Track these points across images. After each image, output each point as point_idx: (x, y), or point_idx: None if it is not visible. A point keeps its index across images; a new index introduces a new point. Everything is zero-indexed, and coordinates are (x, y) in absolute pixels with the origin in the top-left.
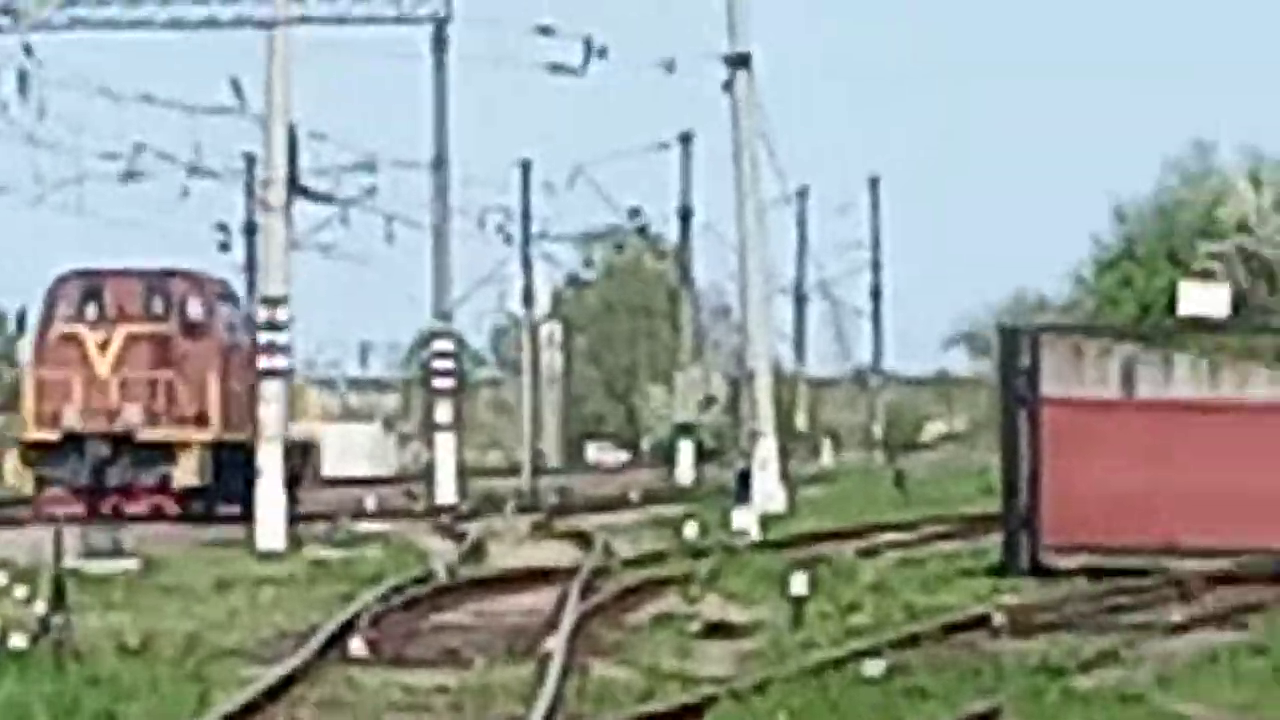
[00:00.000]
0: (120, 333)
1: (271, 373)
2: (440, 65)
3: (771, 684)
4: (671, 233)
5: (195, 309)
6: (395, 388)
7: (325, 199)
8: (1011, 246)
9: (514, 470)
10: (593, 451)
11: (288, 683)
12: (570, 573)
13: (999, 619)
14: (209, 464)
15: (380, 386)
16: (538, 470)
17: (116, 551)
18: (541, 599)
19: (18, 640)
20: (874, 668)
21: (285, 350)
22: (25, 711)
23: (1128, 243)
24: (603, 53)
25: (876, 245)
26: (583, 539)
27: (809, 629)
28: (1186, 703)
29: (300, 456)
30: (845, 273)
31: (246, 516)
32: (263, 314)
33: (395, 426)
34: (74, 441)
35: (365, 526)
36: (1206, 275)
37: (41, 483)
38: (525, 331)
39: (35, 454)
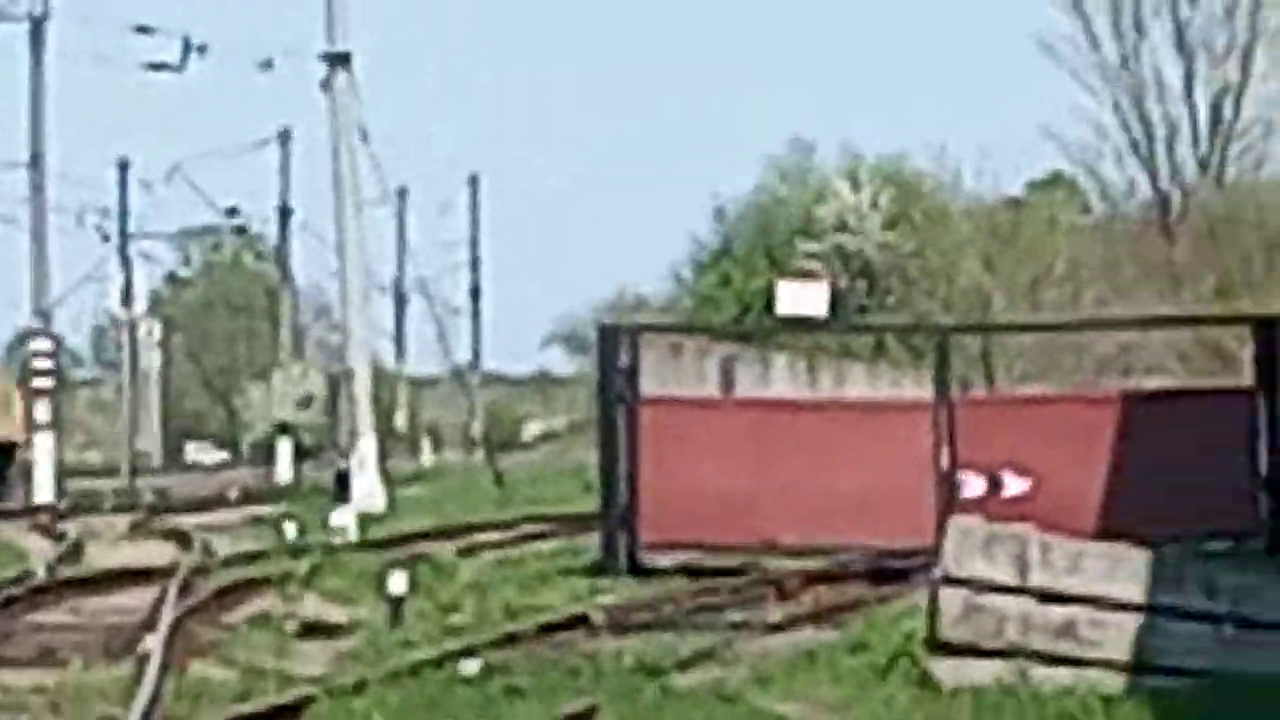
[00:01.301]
0: None
1: None
2: (37, 63)
3: (369, 683)
4: (271, 231)
5: None
6: None
7: None
8: (613, 246)
9: (113, 470)
10: (192, 451)
11: None
12: (169, 572)
13: (597, 618)
14: None
15: None
16: (136, 470)
17: None
18: (140, 598)
19: None
20: (471, 667)
21: None
22: None
23: (727, 242)
24: (202, 50)
25: (475, 244)
26: (181, 538)
27: (407, 628)
28: (784, 701)
29: (4, 454)
30: (445, 271)
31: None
32: None
33: None
34: None
35: None
36: (805, 274)
37: None
38: (124, 330)
39: None
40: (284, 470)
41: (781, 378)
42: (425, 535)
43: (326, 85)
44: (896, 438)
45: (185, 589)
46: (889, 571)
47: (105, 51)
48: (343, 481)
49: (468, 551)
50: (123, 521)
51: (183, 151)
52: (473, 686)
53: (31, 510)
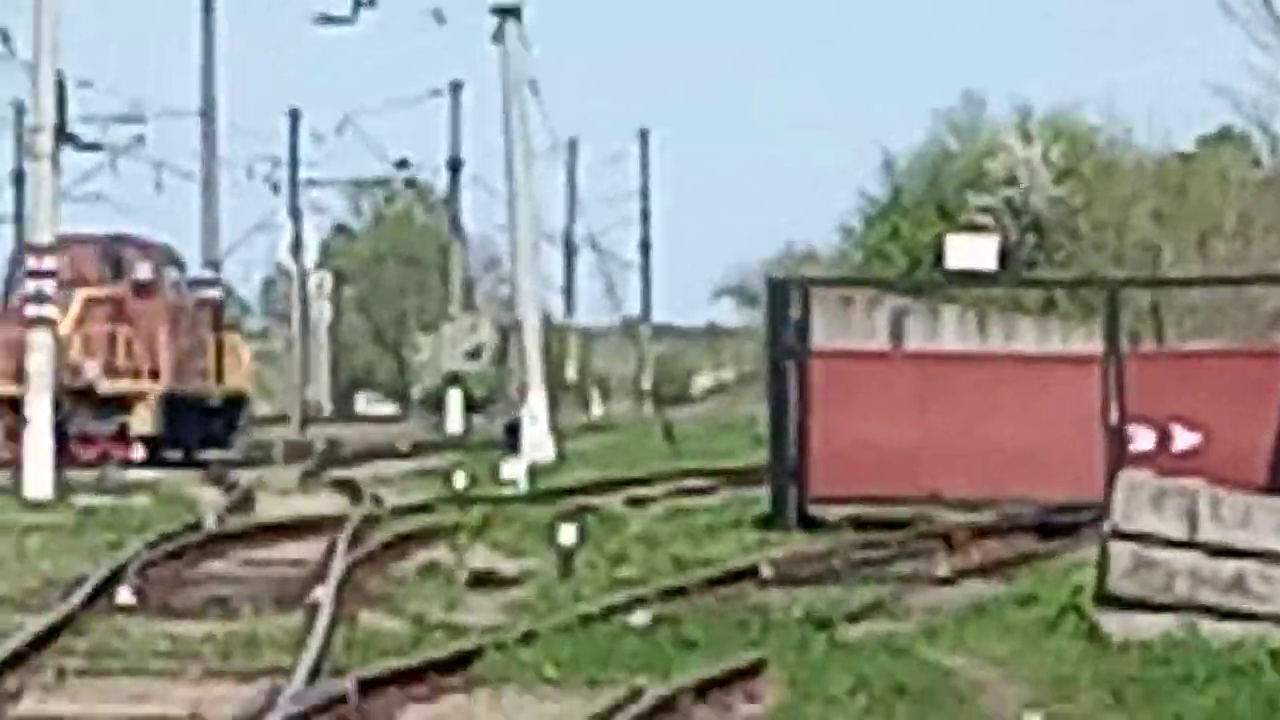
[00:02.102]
0: (79, 295)
1: (39, 321)
2: (209, 13)
3: (539, 634)
4: (441, 183)
5: (145, 271)
6: None
7: (94, 148)
8: (782, 199)
9: (283, 420)
10: (362, 402)
11: (54, 632)
12: (339, 523)
13: (766, 570)
14: (162, 414)
15: None
16: (307, 420)
17: None
18: (310, 549)
19: None
20: (640, 619)
21: (52, 300)
22: None
23: (896, 195)
24: (372, 3)
25: (646, 197)
26: (351, 489)
27: (577, 580)
28: (952, 654)
29: (235, 409)
30: (615, 224)
31: (193, 462)
32: (30, 263)
33: None
34: None
35: (135, 475)
36: (975, 228)
37: (10, 434)
38: (294, 281)
39: (2, 407)
40: (454, 421)
41: (951, 331)
42: (595, 487)
43: (497, 37)
44: (1065, 391)
45: (355, 540)
46: (1057, 525)
47: (276, 2)
48: (514, 432)
49: (637, 503)
50: (293, 472)
51: (354, 103)
52: (641, 638)
53: (204, 460)
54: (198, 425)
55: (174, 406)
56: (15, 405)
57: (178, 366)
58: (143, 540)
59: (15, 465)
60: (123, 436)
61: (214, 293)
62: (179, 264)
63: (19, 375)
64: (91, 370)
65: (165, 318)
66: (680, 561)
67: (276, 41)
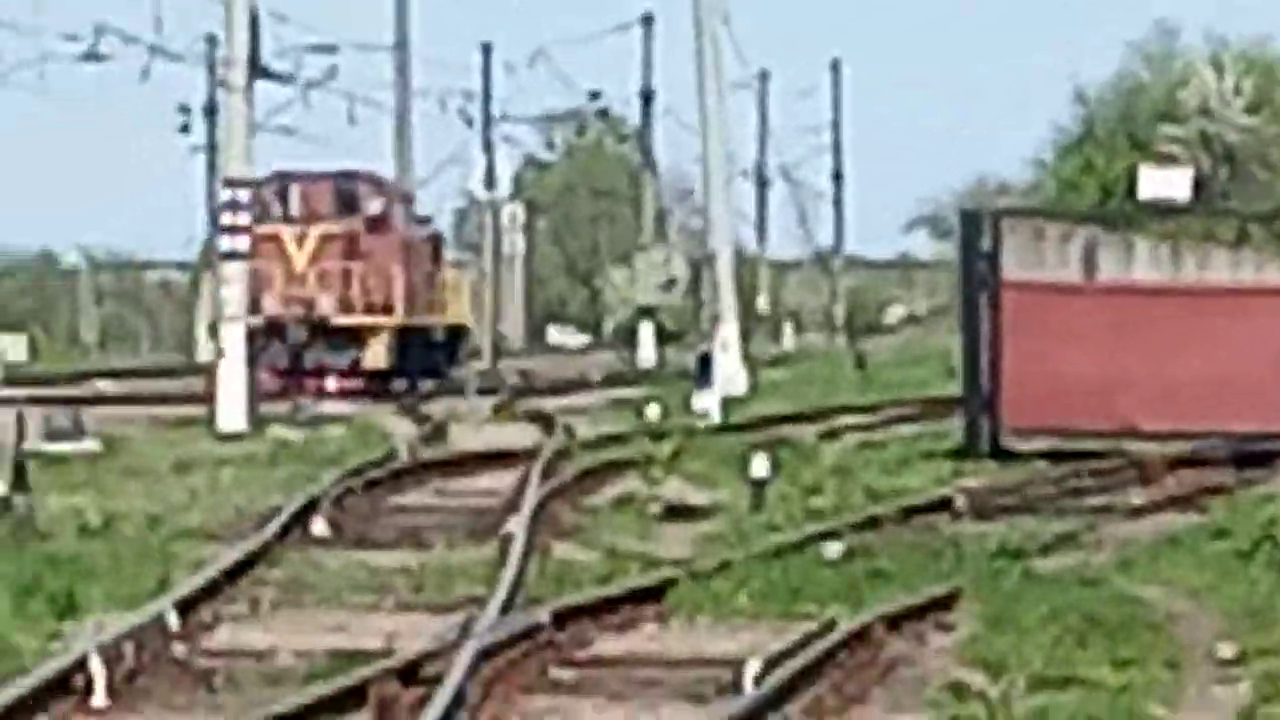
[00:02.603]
0: (315, 231)
1: (233, 254)
2: None
3: (731, 566)
4: (633, 115)
5: (376, 207)
6: None
7: (287, 80)
8: (974, 129)
9: (475, 352)
10: (554, 334)
11: (249, 563)
12: (531, 454)
13: (960, 502)
14: (394, 347)
15: None
16: (499, 352)
17: (78, 433)
18: (503, 480)
19: None
20: (834, 550)
21: (246, 231)
22: None
23: (1088, 126)
24: None
25: (838, 128)
26: (544, 421)
27: (769, 511)
28: (1146, 585)
29: (455, 341)
30: (807, 156)
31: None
32: (225, 195)
33: None
34: (275, 327)
35: (328, 408)
36: (1167, 159)
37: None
38: (487, 213)
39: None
40: (646, 353)
41: (1144, 263)
42: (787, 419)
43: None
44: (1259, 324)
45: (548, 471)
46: (1251, 456)
47: None
48: (706, 364)
49: (829, 435)
50: (486, 404)
51: (546, 35)
52: (835, 569)
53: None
54: (422, 357)
55: (403, 339)
56: (251, 335)
57: (408, 300)
58: (337, 472)
59: (260, 393)
60: (356, 369)
61: (432, 227)
62: (408, 200)
63: (255, 307)
64: (326, 304)
65: (397, 253)
66: (873, 493)
67: None
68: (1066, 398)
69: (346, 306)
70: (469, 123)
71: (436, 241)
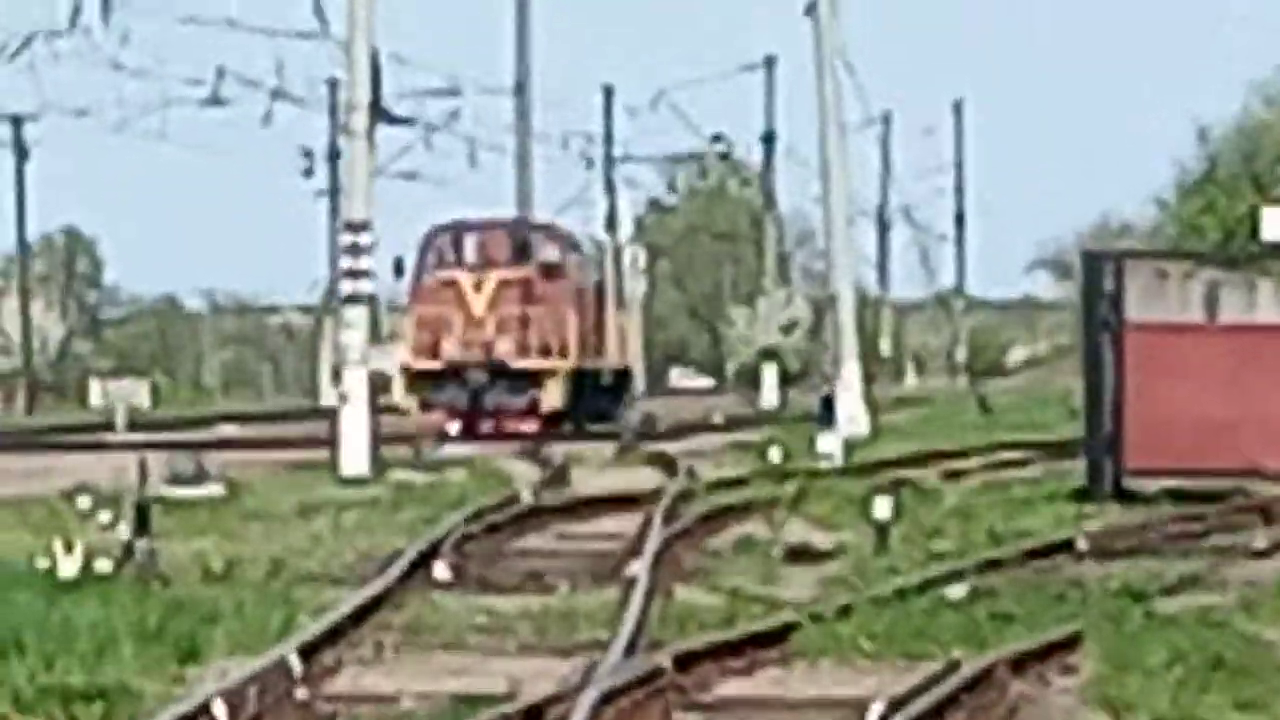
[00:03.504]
0: (492, 277)
1: (354, 298)
2: None
3: (854, 608)
4: (755, 157)
5: (551, 254)
6: None
7: (408, 123)
8: (1096, 170)
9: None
10: (676, 376)
11: (372, 607)
12: (654, 497)
13: (1082, 543)
14: (569, 388)
15: None
16: None
17: (201, 477)
18: (625, 523)
19: (102, 565)
20: (957, 592)
21: (368, 275)
22: (109, 635)
23: (1211, 166)
24: None
25: (960, 169)
26: (666, 463)
27: (892, 553)
28: (1272, 627)
29: (622, 383)
30: (928, 197)
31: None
32: (346, 239)
33: None
34: (454, 371)
35: (450, 451)
36: None
37: (425, 405)
38: (609, 255)
39: (420, 381)
40: (769, 395)
41: (1268, 304)
42: (909, 460)
43: (810, 10)
44: None
45: (670, 514)
46: None
47: None
48: (829, 406)
49: (952, 476)
50: (608, 447)
51: (667, 78)
52: (958, 611)
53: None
54: (593, 399)
55: (576, 382)
56: (431, 378)
57: (581, 344)
58: (459, 515)
59: (435, 435)
60: (533, 411)
61: (597, 274)
62: (577, 247)
63: (435, 350)
64: (504, 348)
65: (570, 298)
66: (996, 534)
67: (590, 17)
68: (1189, 438)
69: (524, 350)
70: (590, 165)
71: (601, 286)
